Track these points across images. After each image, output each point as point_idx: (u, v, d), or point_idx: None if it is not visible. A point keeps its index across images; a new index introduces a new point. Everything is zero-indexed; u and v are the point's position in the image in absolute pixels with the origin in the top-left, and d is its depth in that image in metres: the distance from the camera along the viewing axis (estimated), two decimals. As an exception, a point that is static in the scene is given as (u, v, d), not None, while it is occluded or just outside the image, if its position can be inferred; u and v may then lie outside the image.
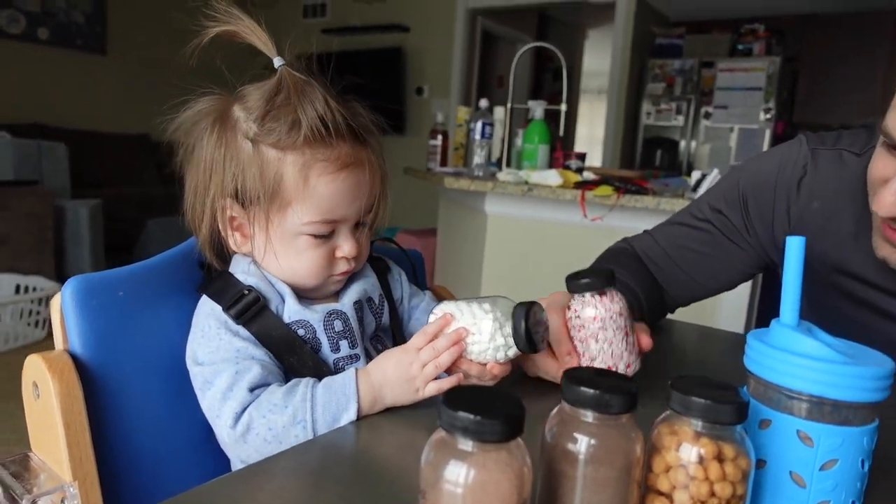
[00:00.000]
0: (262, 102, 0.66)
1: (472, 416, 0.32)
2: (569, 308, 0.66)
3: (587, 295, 0.64)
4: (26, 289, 2.99)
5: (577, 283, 0.63)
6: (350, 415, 0.60)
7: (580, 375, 0.39)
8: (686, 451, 0.39)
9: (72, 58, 5.05)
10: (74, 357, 0.60)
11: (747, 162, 0.94)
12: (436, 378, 0.60)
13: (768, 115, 4.55)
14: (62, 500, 0.56)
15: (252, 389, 0.61)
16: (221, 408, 0.60)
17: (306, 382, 0.62)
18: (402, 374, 0.60)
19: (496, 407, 0.33)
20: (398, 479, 0.49)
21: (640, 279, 0.88)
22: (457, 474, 0.32)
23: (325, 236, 0.68)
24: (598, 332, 0.63)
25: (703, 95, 4.81)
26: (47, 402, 0.57)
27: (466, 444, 0.32)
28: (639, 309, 0.83)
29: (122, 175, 4.91)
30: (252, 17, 0.67)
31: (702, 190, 1.93)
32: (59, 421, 0.56)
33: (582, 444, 0.38)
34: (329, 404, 0.60)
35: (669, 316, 1.05)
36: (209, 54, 0.68)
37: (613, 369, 0.65)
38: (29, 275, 3.07)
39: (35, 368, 0.58)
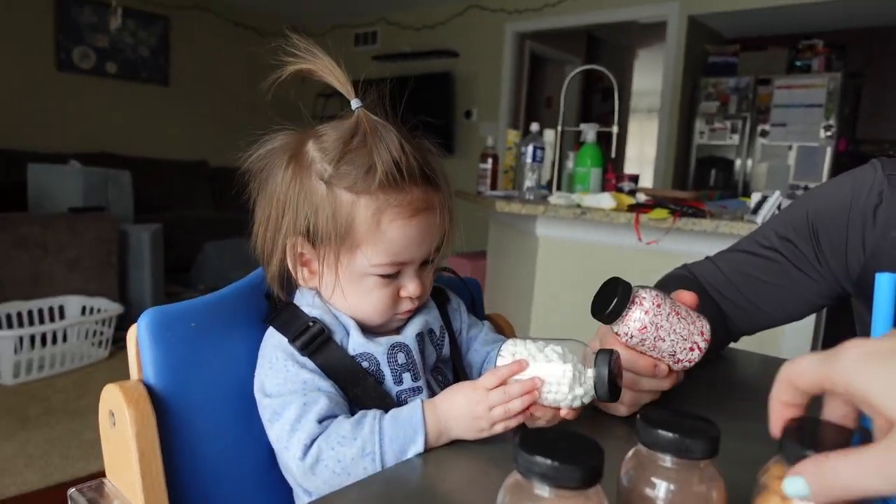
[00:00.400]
0: (339, 144, 0.66)
1: (549, 462, 0.31)
2: (618, 335, 0.64)
3: (620, 318, 0.62)
4: (91, 310, 3.12)
5: (605, 315, 0.62)
6: (417, 447, 0.60)
7: (657, 418, 0.38)
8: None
9: (137, 89, 5.31)
10: (148, 387, 0.62)
11: (816, 189, 0.91)
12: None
13: (829, 133, 4.41)
14: (135, 528, 0.57)
15: (320, 421, 0.62)
16: (290, 439, 0.61)
17: (374, 415, 0.62)
18: (470, 411, 0.60)
19: (574, 451, 0.32)
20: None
21: (703, 307, 0.86)
22: (535, 522, 0.31)
23: (392, 276, 0.68)
24: (656, 333, 0.62)
25: (760, 113, 4.69)
26: (123, 430, 0.59)
27: (543, 490, 0.32)
28: None
29: (181, 200, 5.10)
30: (331, 56, 0.69)
31: (763, 212, 1.87)
32: (134, 449, 0.58)
33: (660, 489, 0.36)
34: (396, 436, 0.60)
35: (731, 345, 1.02)
36: (280, 88, 0.69)
37: (695, 348, 0.63)
38: (94, 296, 3.20)
39: (112, 397, 0.60)
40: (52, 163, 4.01)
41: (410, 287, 0.69)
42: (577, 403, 0.59)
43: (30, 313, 3.04)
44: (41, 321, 3.05)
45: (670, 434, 0.36)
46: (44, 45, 4.74)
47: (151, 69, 5.37)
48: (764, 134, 4.68)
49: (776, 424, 0.37)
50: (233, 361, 0.69)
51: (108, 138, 5.01)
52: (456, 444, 0.61)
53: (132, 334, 0.64)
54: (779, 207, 1.87)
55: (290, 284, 0.74)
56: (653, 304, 0.62)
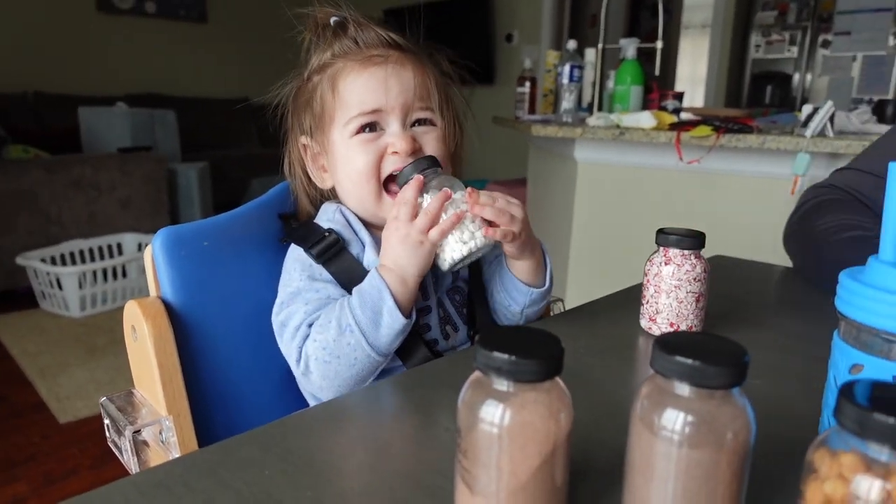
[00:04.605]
0: (324, 44, 0.72)
1: (506, 356, 0.31)
2: (651, 260, 0.66)
3: (672, 251, 0.65)
4: (147, 246, 3.26)
5: (666, 237, 0.65)
6: (389, 303, 0.61)
7: (674, 341, 0.33)
8: (864, 485, 0.28)
9: (176, 28, 5.32)
10: (166, 302, 0.65)
11: None
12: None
13: (899, 40, 4.07)
14: (160, 432, 0.61)
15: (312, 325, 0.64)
16: (290, 346, 0.64)
17: (342, 298, 0.65)
18: (401, 238, 0.63)
19: (533, 346, 0.32)
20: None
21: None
22: (493, 414, 0.32)
23: (374, 130, 0.70)
24: (672, 289, 0.64)
25: (822, 22, 4.35)
26: (143, 343, 0.62)
27: (502, 385, 0.32)
28: None
29: (226, 138, 5.18)
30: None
31: (813, 125, 1.76)
32: (154, 361, 0.61)
33: (677, 421, 0.32)
34: (365, 302, 0.62)
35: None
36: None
37: (674, 327, 0.65)
38: (148, 233, 3.34)
39: (132, 313, 0.64)
40: (101, 105, 4.11)
41: (396, 141, 0.69)
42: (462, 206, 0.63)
43: (90, 250, 3.21)
44: (101, 257, 3.21)
45: (689, 360, 0.31)
46: (83, -14, 4.78)
47: (189, 6, 5.36)
48: (826, 44, 4.35)
49: None
50: (247, 278, 0.72)
51: (152, 78, 5.09)
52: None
53: (148, 253, 0.67)
54: (831, 119, 1.76)
55: (316, 203, 0.78)
56: (696, 275, 0.64)
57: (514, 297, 0.73)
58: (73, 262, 3.11)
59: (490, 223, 0.64)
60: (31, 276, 2.96)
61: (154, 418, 0.61)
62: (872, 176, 0.89)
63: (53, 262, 3.05)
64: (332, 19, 0.72)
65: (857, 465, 0.28)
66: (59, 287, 2.88)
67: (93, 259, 3.19)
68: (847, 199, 0.90)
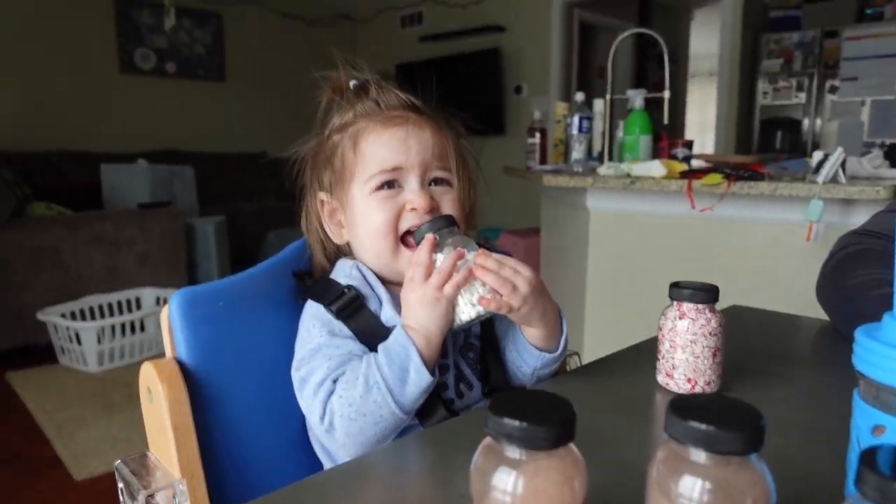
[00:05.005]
0: (346, 104, 0.75)
1: (517, 423, 0.31)
2: (665, 315, 0.66)
3: (686, 305, 0.64)
4: (165, 300, 3.29)
5: (679, 291, 0.64)
6: (416, 361, 0.62)
7: (688, 405, 0.32)
8: None
9: (195, 86, 5.50)
10: (182, 364, 0.66)
11: None
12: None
13: (908, 84, 4.10)
14: (174, 496, 0.61)
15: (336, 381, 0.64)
16: (312, 402, 0.64)
17: (368, 356, 0.65)
18: (419, 297, 0.64)
19: (544, 411, 0.32)
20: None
21: None
22: (505, 482, 0.32)
23: (391, 188, 0.71)
24: (688, 344, 0.64)
25: (828, 68, 4.41)
26: (158, 405, 0.63)
27: (514, 452, 0.32)
28: None
29: (243, 191, 5.27)
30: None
31: (825, 171, 1.77)
32: (168, 423, 0.61)
33: (694, 488, 0.31)
34: (392, 360, 0.62)
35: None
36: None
37: (691, 383, 0.65)
38: (166, 287, 3.38)
39: (148, 375, 0.64)
40: (122, 162, 4.23)
41: (414, 198, 0.70)
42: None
43: (109, 305, 3.24)
44: (120, 312, 3.24)
45: (703, 426, 0.30)
46: (107, 49, 4.97)
47: (208, 67, 5.55)
48: (833, 90, 4.40)
49: None
50: (263, 339, 0.72)
51: (172, 136, 5.23)
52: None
53: (164, 315, 0.68)
54: (842, 165, 1.76)
55: (331, 259, 0.79)
56: (713, 329, 0.64)
57: (524, 359, 0.73)
58: (93, 317, 3.14)
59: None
60: (52, 331, 2.99)
61: (168, 481, 0.61)
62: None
63: (73, 317, 3.08)
64: (353, 82, 0.75)
65: None
66: (79, 342, 2.90)
67: (111, 314, 3.22)
68: (883, 249, 0.88)
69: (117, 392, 2.69)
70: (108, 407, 2.55)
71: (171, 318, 0.67)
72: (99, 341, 2.90)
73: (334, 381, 0.64)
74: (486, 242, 0.86)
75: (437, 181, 0.73)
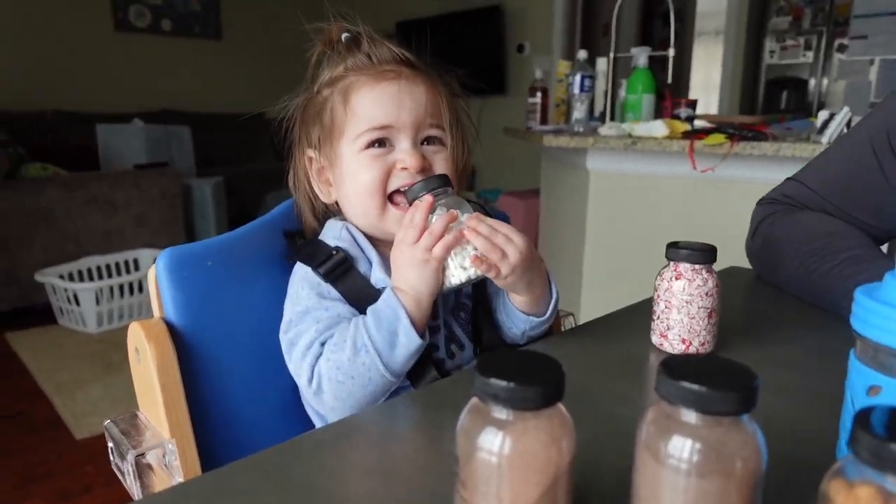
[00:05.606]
0: (337, 58, 0.72)
1: (504, 383, 0.30)
2: (661, 275, 0.65)
3: (682, 266, 0.63)
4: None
5: (676, 252, 0.63)
6: (405, 324, 0.61)
7: (680, 365, 0.31)
8: None
9: (191, 45, 5.39)
10: (170, 324, 0.65)
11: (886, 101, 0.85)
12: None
13: (918, 43, 4.00)
14: (163, 455, 0.60)
15: (324, 343, 0.63)
16: (301, 365, 0.63)
17: (358, 317, 0.64)
18: (409, 259, 0.62)
19: (532, 371, 0.31)
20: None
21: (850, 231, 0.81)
22: (492, 443, 0.31)
23: (381, 146, 0.69)
24: (683, 304, 0.63)
25: (837, 26, 4.30)
26: (146, 365, 0.62)
27: (501, 412, 0.31)
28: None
29: (240, 153, 5.22)
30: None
31: (829, 131, 1.74)
32: (157, 383, 0.61)
33: (683, 449, 0.31)
34: (381, 322, 0.61)
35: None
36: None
37: (686, 344, 0.64)
38: (164, 248, 3.37)
39: (136, 334, 0.63)
40: (118, 122, 4.17)
41: (402, 156, 0.69)
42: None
43: (107, 267, 3.24)
44: (118, 273, 3.24)
45: (694, 386, 0.30)
46: (101, 6, 4.86)
47: (204, 24, 5.43)
48: (842, 49, 4.30)
49: None
50: (252, 298, 0.71)
51: (168, 95, 5.14)
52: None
53: (152, 274, 0.67)
54: (847, 125, 1.73)
55: (320, 220, 0.77)
56: (709, 290, 0.63)
57: (513, 321, 0.72)
58: (91, 279, 3.14)
59: None
60: (50, 292, 2.99)
61: (157, 441, 0.61)
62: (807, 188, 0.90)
63: (71, 278, 3.08)
64: (344, 35, 0.72)
65: (873, 497, 0.27)
66: (77, 303, 2.91)
67: (110, 275, 3.22)
68: (808, 211, 0.90)
69: (116, 353, 2.71)
70: (107, 367, 2.56)
71: (158, 277, 0.66)
72: (97, 302, 2.91)
73: (322, 344, 0.63)
74: (486, 204, 0.85)
75: (429, 140, 0.71)
